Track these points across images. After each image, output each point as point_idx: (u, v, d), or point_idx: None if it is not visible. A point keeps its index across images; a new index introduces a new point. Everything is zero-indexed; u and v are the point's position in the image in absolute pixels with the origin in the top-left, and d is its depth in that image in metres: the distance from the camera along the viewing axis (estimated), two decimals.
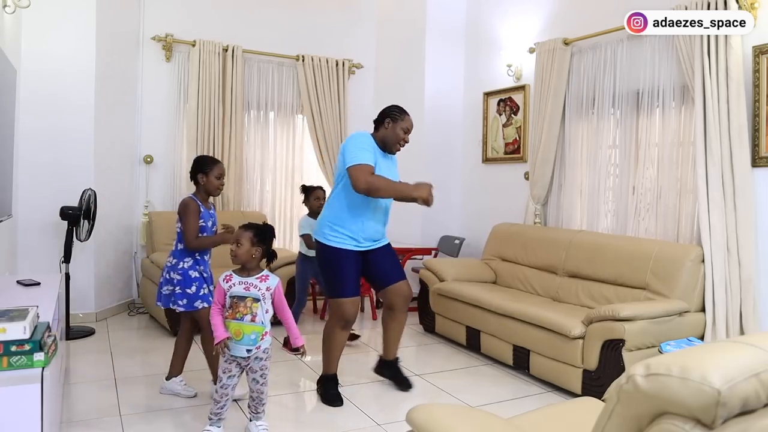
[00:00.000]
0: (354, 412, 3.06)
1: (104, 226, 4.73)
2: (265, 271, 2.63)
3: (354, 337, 4.30)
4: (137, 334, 4.52)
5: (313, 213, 4.28)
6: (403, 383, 3.37)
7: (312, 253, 4.21)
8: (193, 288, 2.96)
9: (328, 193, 3.91)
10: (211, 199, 3.20)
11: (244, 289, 2.53)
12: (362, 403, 3.17)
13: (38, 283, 2.95)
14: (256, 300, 2.52)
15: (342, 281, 3.09)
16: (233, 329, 2.52)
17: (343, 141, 5.87)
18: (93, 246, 4.62)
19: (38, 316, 1.97)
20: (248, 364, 2.58)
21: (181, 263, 2.98)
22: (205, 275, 3.03)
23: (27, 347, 1.74)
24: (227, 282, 2.57)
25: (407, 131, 3.15)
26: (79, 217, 4.22)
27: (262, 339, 2.55)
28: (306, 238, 4.25)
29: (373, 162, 2.98)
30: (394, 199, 3.12)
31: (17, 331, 1.74)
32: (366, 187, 2.89)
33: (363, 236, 3.12)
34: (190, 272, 2.96)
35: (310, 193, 4.36)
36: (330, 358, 3.21)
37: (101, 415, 2.91)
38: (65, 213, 4.20)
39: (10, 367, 1.72)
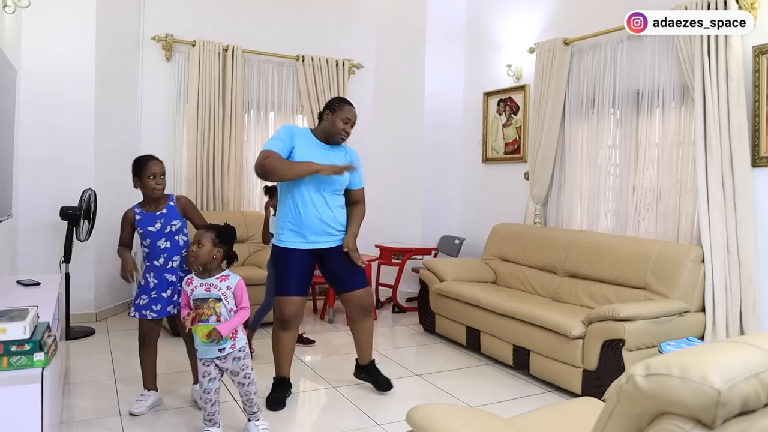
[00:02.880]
0: (354, 412, 3.06)
1: (104, 226, 4.73)
2: (226, 271, 2.61)
3: (308, 341, 4.21)
4: (137, 334, 4.50)
5: None
6: (382, 385, 3.30)
7: None
8: (134, 295, 2.97)
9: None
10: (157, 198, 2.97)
11: (205, 290, 2.52)
12: (362, 403, 3.17)
13: (38, 283, 2.95)
14: (218, 300, 2.51)
15: (282, 279, 3.05)
16: (201, 332, 2.48)
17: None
18: (93, 246, 4.63)
19: (38, 316, 1.97)
20: (227, 367, 2.56)
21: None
22: (152, 283, 2.92)
23: (27, 347, 1.74)
24: (189, 285, 2.57)
25: (347, 121, 3.04)
26: (79, 217, 4.22)
27: (233, 338, 2.53)
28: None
29: (280, 150, 2.89)
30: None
31: (17, 331, 1.74)
32: (259, 170, 2.88)
33: (307, 230, 3.00)
34: (141, 280, 2.95)
35: (275, 194, 4.09)
36: (276, 360, 3.16)
37: (101, 415, 2.91)
38: (65, 213, 4.20)
39: (10, 367, 1.72)
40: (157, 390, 3.04)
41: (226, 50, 5.39)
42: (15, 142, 3.68)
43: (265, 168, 2.86)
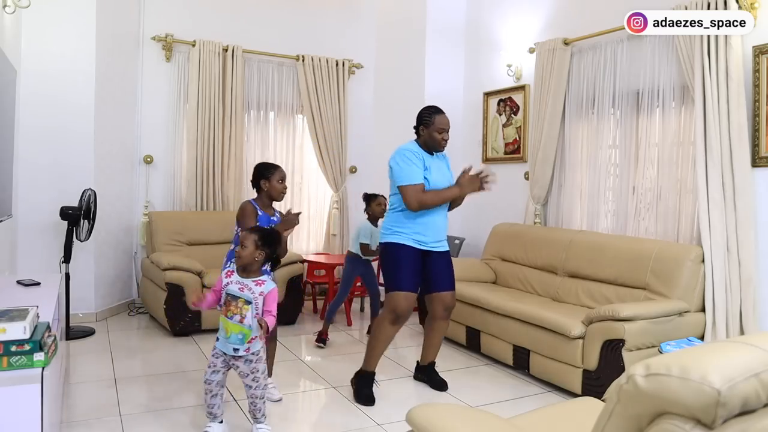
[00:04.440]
0: (354, 412, 3.06)
1: (104, 226, 4.73)
2: (264, 276, 2.62)
3: (322, 340, 4.25)
4: (137, 334, 4.52)
5: (374, 219, 4.36)
6: (438, 385, 3.43)
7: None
8: None
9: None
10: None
11: (239, 289, 2.53)
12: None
13: (38, 283, 2.94)
14: (248, 302, 2.51)
15: (398, 274, 3.17)
16: (228, 326, 2.53)
17: (343, 140, 5.92)
18: (93, 246, 4.62)
19: (38, 316, 1.97)
20: (237, 366, 2.57)
21: (229, 263, 2.95)
22: None
23: (27, 347, 1.74)
24: (228, 277, 2.58)
25: (442, 131, 3.20)
26: (79, 217, 4.22)
27: (250, 342, 2.55)
28: (363, 248, 4.28)
29: (421, 177, 3.12)
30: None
31: (17, 331, 1.74)
32: (418, 207, 3.12)
33: (424, 235, 3.19)
34: None
35: (373, 200, 4.39)
36: (372, 354, 3.23)
37: (101, 415, 2.91)
38: (65, 213, 4.20)
39: (10, 367, 1.72)
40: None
41: (226, 50, 5.39)
42: (15, 142, 3.68)
43: (426, 204, 3.12)
